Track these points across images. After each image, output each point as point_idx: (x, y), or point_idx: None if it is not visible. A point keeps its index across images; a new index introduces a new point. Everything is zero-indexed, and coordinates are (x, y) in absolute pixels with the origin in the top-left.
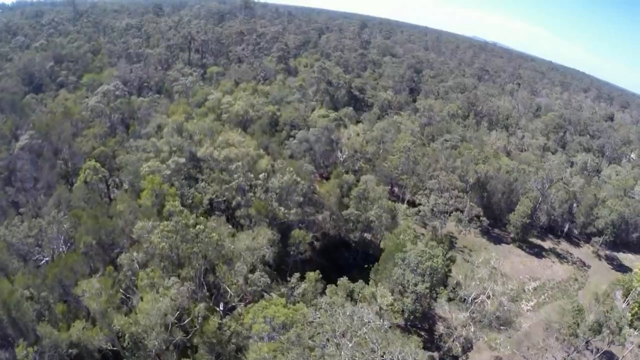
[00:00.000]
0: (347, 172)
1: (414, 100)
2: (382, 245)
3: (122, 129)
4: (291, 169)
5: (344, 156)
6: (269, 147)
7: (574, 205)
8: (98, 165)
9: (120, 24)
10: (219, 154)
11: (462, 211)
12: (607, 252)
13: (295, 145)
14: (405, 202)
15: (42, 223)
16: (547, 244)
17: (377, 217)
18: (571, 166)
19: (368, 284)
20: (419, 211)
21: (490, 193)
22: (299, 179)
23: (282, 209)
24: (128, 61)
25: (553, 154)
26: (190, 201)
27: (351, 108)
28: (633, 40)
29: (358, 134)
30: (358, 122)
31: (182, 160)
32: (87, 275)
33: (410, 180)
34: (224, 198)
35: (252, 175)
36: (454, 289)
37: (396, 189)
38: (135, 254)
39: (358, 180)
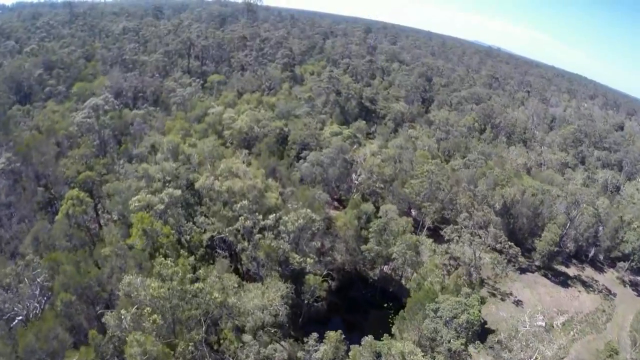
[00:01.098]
0: (363, 197)
1: (427, 111)
2: (406, 284)
3: (114, 145)
4: (307, 210)
5: (359, 178)
6: (277, 170)
7: (600, 228)
8: (82, 194)
9: (117, 27)
10: (220, 185)
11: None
12: (632, 277)
13: (307, 169)
14: (425, 228)
15: (16, 270)
16: (571, 271)
17: (401, 254)
18: (591, 183)
19: (390, 331)
20: (447, 253)
21: (515, 218)
22: (314, 216)
23: (297, 256)
24: (123, 68)
25: (573, 170)
26: (188, 238)
27: (364, 122)
28: (633, 44)
29: (374, 154)
30: (368, 134)
31: (178, 192)
32: (68, 340)
33: (432, 207)
34: (228, 238)
35: (260, 216)
36: (492, 347)
37: (414, 212)
38: (123, 311)
39: (377, 208)
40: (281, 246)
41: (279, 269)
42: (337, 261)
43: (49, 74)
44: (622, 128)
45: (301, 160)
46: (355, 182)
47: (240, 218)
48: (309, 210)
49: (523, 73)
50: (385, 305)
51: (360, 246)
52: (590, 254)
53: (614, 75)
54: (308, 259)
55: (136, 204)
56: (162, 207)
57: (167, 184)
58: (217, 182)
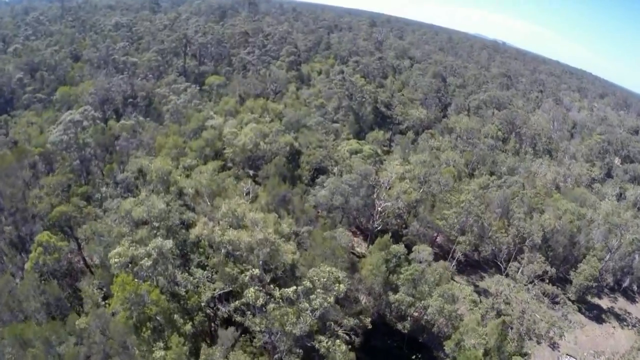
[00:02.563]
0: (386, 227)
1: (444, 116)
2: (438, 333)
3: (97, 164)
4: (332, 271)
5: (383, 205)
6: (289, 200)
7: (637, 256)
8: (54, 239)
9: (109, 22)
10: (222, 234)
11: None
12: None
13: (324, 198)
14: (456, 260)
15: None
16: (604, 302)
17: (438, 309)
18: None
19: None
20: (494, 308)
21: (552, 249)
22: (339, 275)
23: (324, 339)
24: (112, 70)
25: (601, 184)
26: (183, 301)
27: (381, 132)
28: (635, 40)
29: (401, 178)
30: (384, 146)
31: (168, 245)
32: None
33: (466, 238)
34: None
35: (271, 286)
36: None
37: (439, 238)
38: None
39: (401, 236)
40: (303, 326)
41: (299, 351)
42: (360, 306)
43: (31, 77)
44: (637, 132)
45: (317, 187)
46: (379, 208)
47: (248, 292)
48: (334, 271)
49: (532, 70)
50: (414, 358)
51: (388, 293)
52: (625, 284)
53: (616, 70)
54: (338, 343)
55: (116, 260)
56: (149, 263)
57: (155, 230)
58: (217, 231)
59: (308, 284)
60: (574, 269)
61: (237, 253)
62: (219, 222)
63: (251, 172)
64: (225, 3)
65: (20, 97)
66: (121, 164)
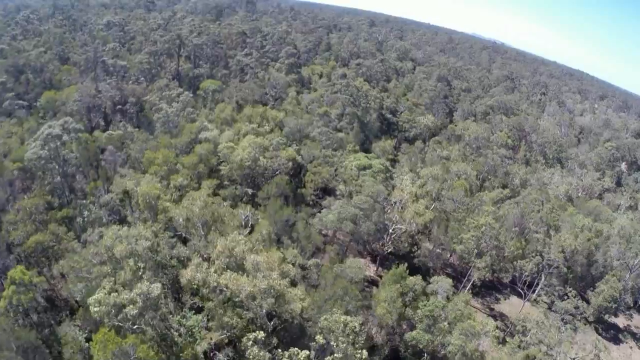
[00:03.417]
0: (397, 249)
1: (451, 121)
2: None
3: (80, 181)
4: (346, 320)
5: (395, 227)
6: (293, 224)
7: None
8: (28, 275)
9: (101, 21)
10: (217, 279)
11: None
12: None
13: (332, 224)
14: (471, 283)
15: None
16: (620, 320)
17: (459, 349)
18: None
19: None
20: (521, 347)
21: (571, 269)
22: (356, 325)
23: None
24: (102, 73)
25: (613, 194)
26: (176, 350)
27: (388, 141)
28: (631, 39)
29: (415, 198)
30: (391, 154)
31: (156, 291)
32: None
33: (485, 264)
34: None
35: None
36: None
37: (453, 257)
38: None
39: (418, 268)
40: None
41: None
42: (372, 341)
43: (16, 81)
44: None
45: (324, 210)
46: (390, 230)
47: (250, 353)
48: (349, 320)
49: (533, 71)
50: None
51: (403, 328)
52: None
53: (612, 69)
54: None
55: (96, 308)
56: (134, 312)
57: (141, 271)
58: (212, 274)
59: (321, 340)
60: (591, 289)
61: (237, 299)
62: (214, 262)
63: (250, 191)
64: (222, 2)
65: (2, 103)
66: (107, 180)
